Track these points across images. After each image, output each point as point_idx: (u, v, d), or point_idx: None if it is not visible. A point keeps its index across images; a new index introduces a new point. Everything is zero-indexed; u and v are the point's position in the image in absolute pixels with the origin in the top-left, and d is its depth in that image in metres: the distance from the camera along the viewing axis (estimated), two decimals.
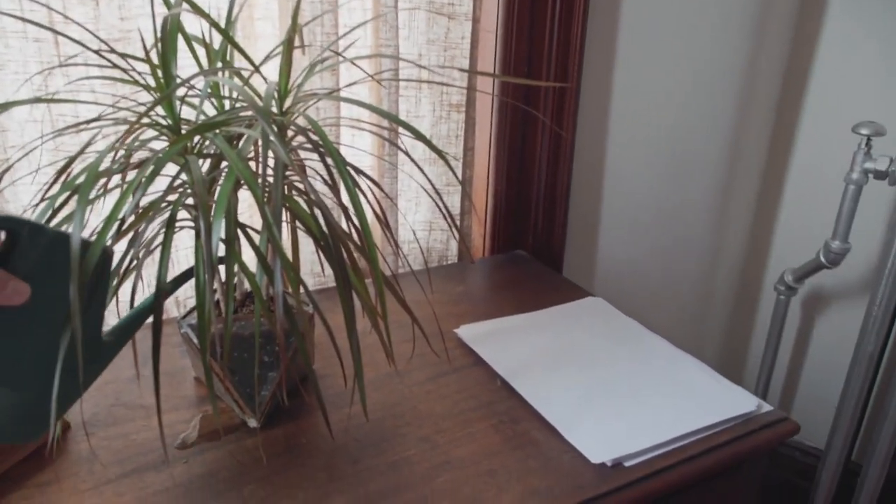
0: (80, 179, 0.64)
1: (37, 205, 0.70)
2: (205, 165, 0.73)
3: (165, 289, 0.64)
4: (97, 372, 0.60)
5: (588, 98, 1.29)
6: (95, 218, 0.90)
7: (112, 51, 0.67)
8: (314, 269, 1.14)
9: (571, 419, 0.82)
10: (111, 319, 0.73)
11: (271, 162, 0.61)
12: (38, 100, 0.63)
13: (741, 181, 1.60)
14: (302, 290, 0.76)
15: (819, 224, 1.53)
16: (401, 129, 1.10)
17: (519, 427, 0.82)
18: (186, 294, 1.08)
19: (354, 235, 0.72)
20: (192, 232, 0.80)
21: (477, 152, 1.26)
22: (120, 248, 0.67)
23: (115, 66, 0.68)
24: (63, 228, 0.58)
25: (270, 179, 0.64)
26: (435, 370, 0.93)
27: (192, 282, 1.02)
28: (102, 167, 0.65)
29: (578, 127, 1.29)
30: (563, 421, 0.82)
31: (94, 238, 0.54)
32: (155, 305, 0.62)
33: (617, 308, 1.09)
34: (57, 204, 0.65)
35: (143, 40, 0.69)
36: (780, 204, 1.63)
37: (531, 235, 1.33)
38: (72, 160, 0.68)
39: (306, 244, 1.08)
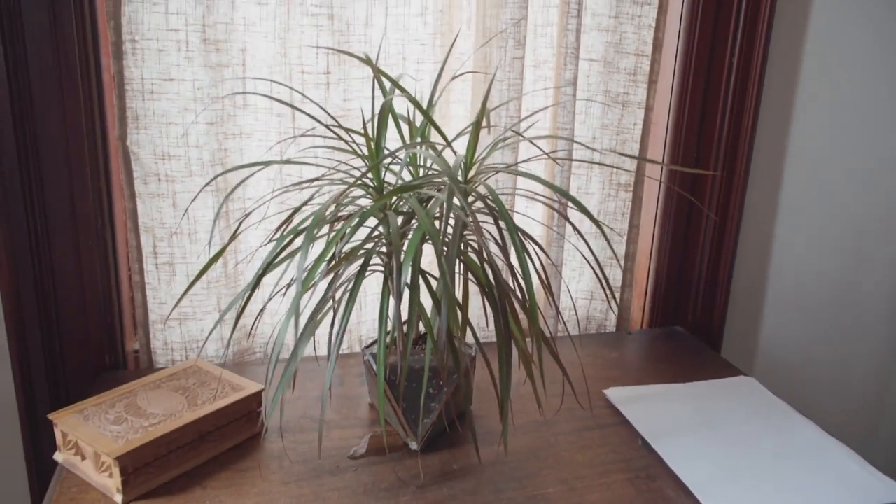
0: (306, 224, 0.81)
1: (267, 244, 0.88)
2: (398, 221, 0.88)
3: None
4: None
5: (757, 181, 1.33)
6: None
7: (339, 126, 0.85)
8: (480, 324, 1.26)
9: (707, 484, 0.86)
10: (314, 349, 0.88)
11: (454, 222, 0.74)
12: (285, 161, 0.81)
13: None
14: (469, 334, 0.88)
15: None
16: (570, 203, 1.20)
17: (654, 484, 0.87)
18: (368, 333, 1.23)
19: (519, 293, 0.84)
20: (381, 280, 0.94)
21: (642, 230, 1.33)
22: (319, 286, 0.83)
23: (339, 138, 0.86)
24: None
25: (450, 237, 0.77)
26: (581, 424, 1.00)
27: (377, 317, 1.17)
28: (323, 216, 0.81)
29: (746, 208, 1.32)
30: (700, 484, 0.86)
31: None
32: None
33: (778, 394, 1.10)
34: (283, 244, 0.82)
35: (363, 117, 0.86)
36: None
37: (690, 313, 1.37)
38: (296, 210, 0.86)
39: (476, 301, 1.20)
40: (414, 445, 0.92)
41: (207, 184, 0.99)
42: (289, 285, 0.93)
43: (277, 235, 0.89)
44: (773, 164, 1.34)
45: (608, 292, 0.90)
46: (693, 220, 1.33)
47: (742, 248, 1.35)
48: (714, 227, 1.31)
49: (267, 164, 0.84)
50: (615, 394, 1.07)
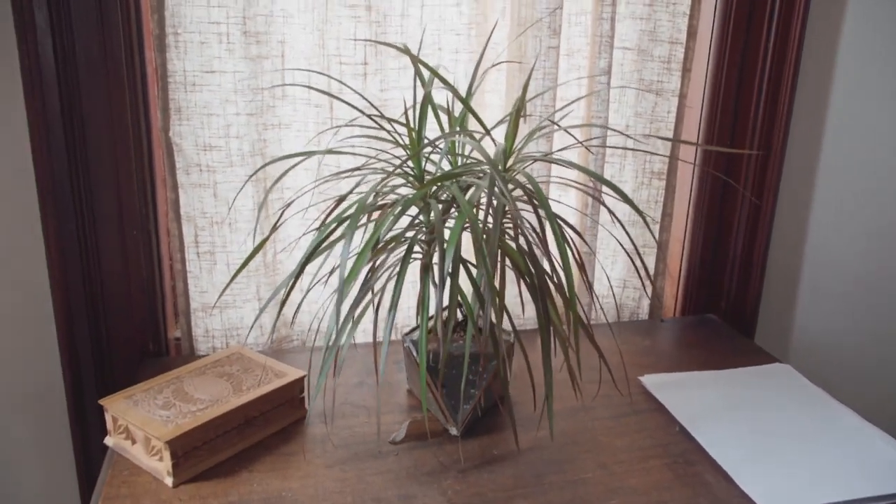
0: (349, 212, 0.82)
1: (308, 233, 0.89)
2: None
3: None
4: None
5: (792, 169, 1.32)
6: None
7: (382, 116, 0.86)
8: (515, 311, 1.27)
9: (745, 468, 0.87)
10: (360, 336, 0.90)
11: (494, 210, 0.75)
12: (329, 151, 0.83)
13: None
14: (506, 321, 0.89)
15: None
16: (603, 191, 1.21)
17: (692, 469, 0.88)
18: (403, 320, 1.25)
19: (556, 279, 0.85)
20: (416, 268, 0.96)
21: (675, 218, 1.33)
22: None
23: (381, 128, 0.87)
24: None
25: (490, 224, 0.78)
26: (617, 410, 1.01)
27: (414, 307, 1.18)
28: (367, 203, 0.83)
29: (780, 197, 1.32)
30: (738, 469, 0.87)
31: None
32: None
33: (812, 380, 1.10)
34: (327, 231, 0.83)
35: (405, 106, 0.87)
36: None
37: (724, 301, 1.37)
38: (342, 198, 0.87)
39: (510, 288, 1.21)
40: (454, 431, 0.94)
41: (253, 174, 1.02)
42: (330, 273, 0.95)
43: (320, 224, 0.90)
44: (809, 154, 1.34)
45: (648, 279, 0.90)
46: (726, 209, 1.33)
47: (776, 235, 1.35)
48: (748, 216, 1.31)
49: (311, 154, 0.86)
50: (650, 380, 1.08)
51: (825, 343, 1.47)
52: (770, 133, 1.27)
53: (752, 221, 1.32)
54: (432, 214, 0.86)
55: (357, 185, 0.88)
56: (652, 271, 1.35)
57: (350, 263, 0.77)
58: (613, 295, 1.33)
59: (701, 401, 1.02)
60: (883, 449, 0.92)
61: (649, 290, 1.34)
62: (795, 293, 1.42)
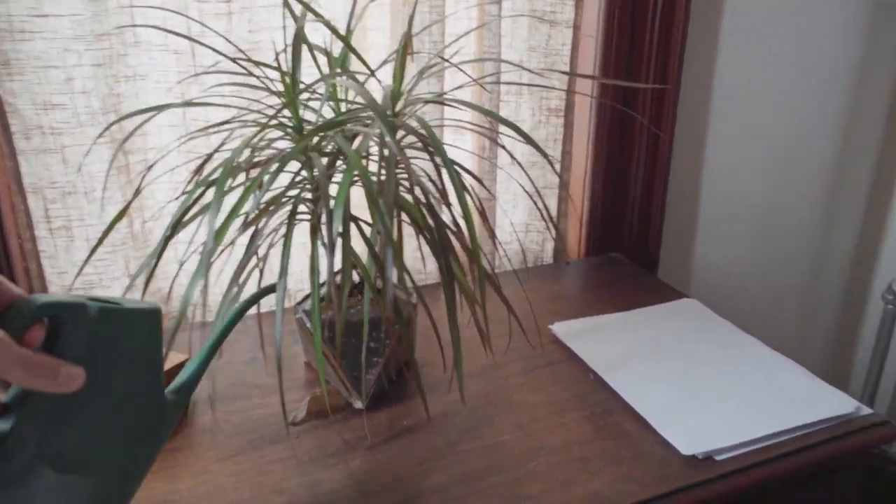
0: (216, 175, 0.71)
1: (178, 198, 0.78)
2: (323, 163, 0.80)
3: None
4: (165, 436, 0.57)
5: (688, 100, 1.30)
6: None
7: (249, 59, 0.75)
8: (415, 266, 1.19)
9: (663, 413, 0.84)
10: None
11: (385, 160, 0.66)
12: (187, 103, 0.71)
13: (850, 185, 1.55)
14: (407, 281, 0.81)
15: None
16: (500, 132, 1.14)
17: (611, 419, 0.85)
18: (297, 287, 1.15)
19: (457, 229, 0.77)
20: (306, 229, 0.86)
21: (574, 156, 1.29)
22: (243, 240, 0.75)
23: (250, 73, 0.76)
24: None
25: (383, 176, 0.69)
26: (530, 363, 0.96)
27: (307, 271, 1.09)
28: (234, 163, 0.72)
29: (677, 129, 1.29)
30: (655, 414, 0.84)
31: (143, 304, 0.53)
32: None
33: (716, 312, 1.09)
34: (194, 198, 0.72)
35: (275, 49, 0.76)
36: (890, 210, 1.58)
37: (626, 238, 1.34)
38: (208, 158, 0.76)
39: (408, 242, 1.14)
40: (358, 404, 0.86)
41: (100, 134, 0.88)
42: (204, 245, 0.84)
43: (189, 187, 0.79)
44: (703, 85, 1.31)
45: (552, 221, 0.85)
46: (625, 145, 1.29)
47: (674, 168, 1.33)
48: (647, 150, 1.28)
49: (164, 107, 0.74)
50: (561, 328, 1.03)
51: (725, 273, 1.49)
52: (665, 64, 1.23)
53: (650, 156, 1.28)
54: (315, 169, 0.77)
55: (225, 140, 0.77)
56: (555, 213, 1.31)
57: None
58: (519, 241, 1.27)
59: (613, 346, 0.99)
60: (797, 380, 0.91)
61: (553, 232, 1.30)
62: (695, 225, 1.42)
